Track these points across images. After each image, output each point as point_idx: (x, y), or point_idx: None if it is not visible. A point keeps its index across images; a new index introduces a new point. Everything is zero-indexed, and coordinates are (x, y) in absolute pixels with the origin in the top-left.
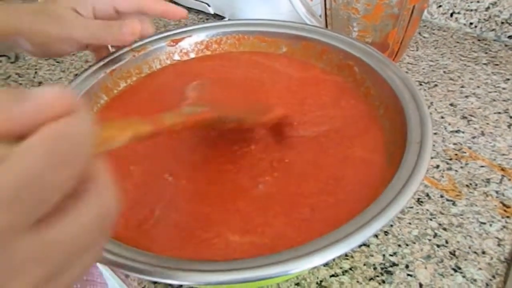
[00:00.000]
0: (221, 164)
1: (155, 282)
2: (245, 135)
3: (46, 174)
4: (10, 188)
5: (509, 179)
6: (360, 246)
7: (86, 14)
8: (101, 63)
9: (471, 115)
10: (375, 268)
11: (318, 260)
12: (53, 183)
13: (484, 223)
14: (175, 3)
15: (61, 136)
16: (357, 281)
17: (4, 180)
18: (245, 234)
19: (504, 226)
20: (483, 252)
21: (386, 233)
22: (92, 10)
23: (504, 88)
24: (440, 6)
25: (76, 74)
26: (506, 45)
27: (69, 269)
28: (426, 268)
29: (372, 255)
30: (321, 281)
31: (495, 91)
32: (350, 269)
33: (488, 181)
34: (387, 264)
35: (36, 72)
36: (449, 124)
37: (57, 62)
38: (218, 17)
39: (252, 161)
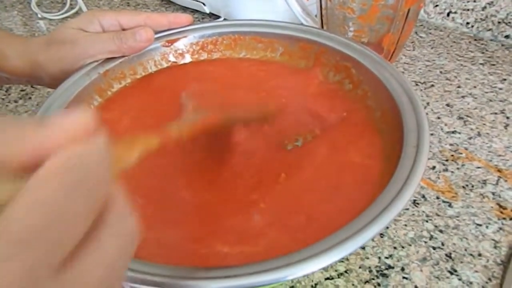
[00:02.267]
0: (221, 182)
1: None
2: (246, 146)
3: (66, 207)
4: (29, 226)
5: (506, 180)
6: None
7: (94, 31)
8: (95, 64)
9: (467, 116)
10: (370, 271)
11: (311, 267)
12: (75, 216)
13: (480, 225)
14: (171, 2)
15: (77, 163)
16: (353, 284)
17: (20, 218)
18: (238, 245)
19: (500, 228)
20: (479, 255)
21: (381, 235)
22: (99, 27)
23: (500, 88)
24: (436, 5)
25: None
26: (502, 45)
27: None
28: (421, 270)
29: (367, 258)
30: (316, 284)
31: (492, 91)
32: (346, 272)
33: (484, 182)
34: (383, 267)
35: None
36: (446, 124)
37: None
38: (213, 16)
39: (253, 177)
